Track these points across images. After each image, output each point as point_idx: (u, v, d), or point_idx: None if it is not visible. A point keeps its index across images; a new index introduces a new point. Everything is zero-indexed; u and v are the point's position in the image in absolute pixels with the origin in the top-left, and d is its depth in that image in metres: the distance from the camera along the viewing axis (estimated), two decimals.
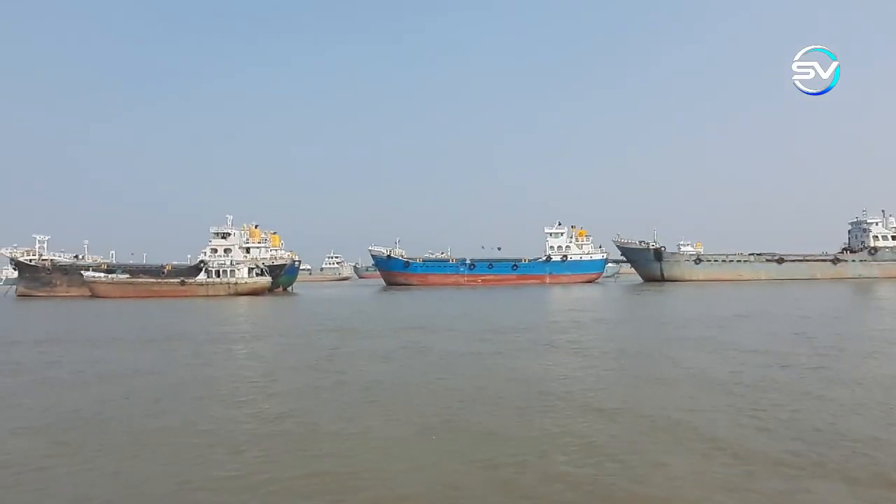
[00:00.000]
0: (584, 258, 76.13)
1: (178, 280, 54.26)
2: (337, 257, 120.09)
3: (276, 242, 62.81)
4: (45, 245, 61.64)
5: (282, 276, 60.01)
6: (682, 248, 78.19)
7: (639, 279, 78.18)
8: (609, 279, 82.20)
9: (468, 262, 75.49)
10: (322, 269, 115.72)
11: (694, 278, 72.41)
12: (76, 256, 63.56)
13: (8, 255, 60.54)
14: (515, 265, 75.56)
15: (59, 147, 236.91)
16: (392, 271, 74.61)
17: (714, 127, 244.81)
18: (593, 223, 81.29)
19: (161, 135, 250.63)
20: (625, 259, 78.37)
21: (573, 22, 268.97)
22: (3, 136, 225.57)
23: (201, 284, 53.64)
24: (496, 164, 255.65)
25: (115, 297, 52.42)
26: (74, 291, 58.33)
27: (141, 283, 54.23)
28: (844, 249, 76.11)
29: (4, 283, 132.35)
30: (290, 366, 13.52)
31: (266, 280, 55.35)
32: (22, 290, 60.94)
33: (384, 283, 77.34)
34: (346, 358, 14.33)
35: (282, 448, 7.10)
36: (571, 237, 76.98)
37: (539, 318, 26.31)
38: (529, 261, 76.28)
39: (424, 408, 9.06)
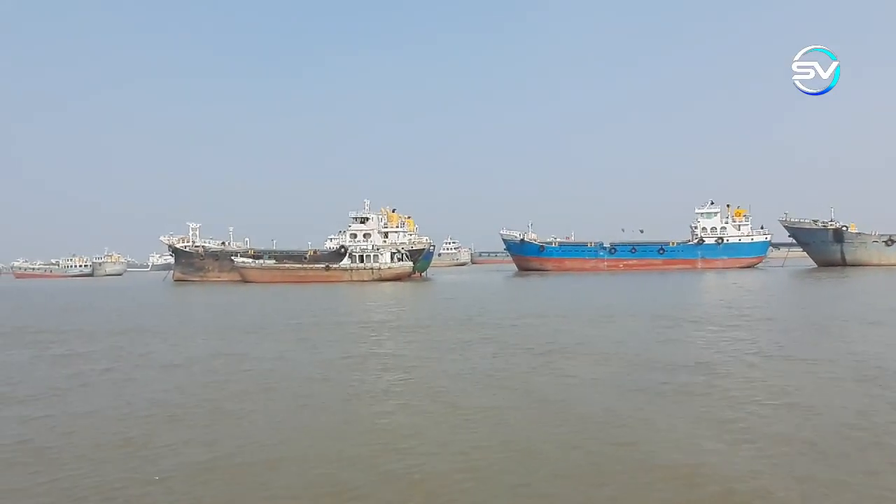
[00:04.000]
0: (743, 240, 67.37)
1: (323, 265, 53.99)
2: (454, 242, 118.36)
3: (412, 227, 60.92)
4: (198, 232, 64.46)
5: (419, 262, 58.03)
6: None
7: (809, 263, 68.04)
8: (773, 263, 72.39)
9: (608, 245, 69.55)
10: (440, 255, 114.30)
11: (884, 263, 61.42)
12: (223, 243, 65.98)
13: (166, 241, 63.88)
14: (662, 249, 68.46)
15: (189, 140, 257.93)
16: (525, 256, 70.49)
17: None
18: (745, 203, 71.50)
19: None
20: (793, 241, 68.29)
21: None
22: (144, 130, 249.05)
23: (346, 269, 52.94)
24: (631, 143, 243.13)
25: (263, 282, 53.26)
26: (225, 276, 60.30)
27: (288, 269, 54.62)
28: None
29: (151, 269, 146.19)
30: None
31: (408, 265, 53.66)
32: (178, 275, 64.12)
33: (516, 268, 73.46)
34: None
35: None
36: (727, 217, 68.40)
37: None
38: (678, 244, 68.82)
39: None
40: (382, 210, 59.29)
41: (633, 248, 68.84)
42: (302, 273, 53.90)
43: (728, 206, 69.29)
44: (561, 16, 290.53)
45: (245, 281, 55.32)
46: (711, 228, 68.04)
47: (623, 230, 72.68)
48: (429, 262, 62.46)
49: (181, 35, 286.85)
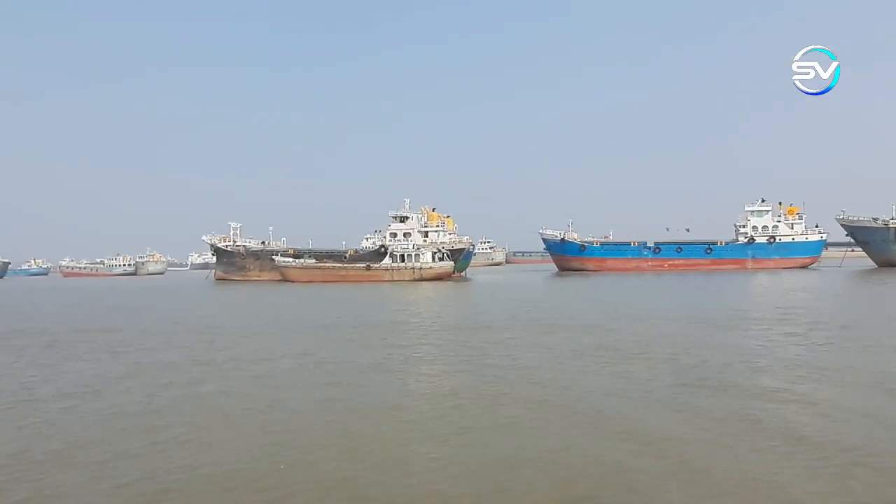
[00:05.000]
0: (796, 239, 64.47)
1: (364, 265, 53.68)
2: (489, 242, 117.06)
3: (452, 226, 60.17)
4: (239, 232, 65.03)
5: (459, 261, 57.22)
6: None
7: (868, 264, 64.65)
8: (828, 263, 69.09)
9: (652, 245, 67.43)
10: (475, 255, 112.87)
11: None
12: (262, 242, 66.36)
13: (208, 241, 64.59)
14: (709, 248, 65.99)
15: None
16: (566, 256, 68.95)
17: None
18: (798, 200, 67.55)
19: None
20: (851, 241, 64.93)
21: None
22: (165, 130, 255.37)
23: (387, 269, 52.52)
24: (670, 141, 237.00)
25: (303, 282, 53.23)
26: (265, 276, 60.56)
27: (329, 268, 54.51)
28: None
29: (190, 268, 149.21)
30: None
31: (450, 265, 52.97)
32: (220, 274, 64.70)
33: (556, 268, 71.98)
34: None
35: None
36: (780, 216, 65.61)
37: None
38: (726, 243, 66.28)
39: None
40: (423, 209, 58.73)
41: (679, 248, 66.58)
42: (343, 273, 53.69)
43: (780, 203, 66.58)
44: (596, 12, 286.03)
45: (286, 280, 55.46)
46: (763, 227, 65.41)
47: (668, 229, 70.45)
48: (468, 262, 61.72)
49: (201, 38, 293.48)
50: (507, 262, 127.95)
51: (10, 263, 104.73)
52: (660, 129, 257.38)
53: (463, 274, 60.24)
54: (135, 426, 7.42)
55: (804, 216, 65.63)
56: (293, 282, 53.92)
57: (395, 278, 51.75)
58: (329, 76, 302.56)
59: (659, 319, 18.23)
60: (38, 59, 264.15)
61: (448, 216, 61.19)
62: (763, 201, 66.55)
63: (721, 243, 66.34)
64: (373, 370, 10.88)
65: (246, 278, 61.92)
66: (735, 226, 68.52)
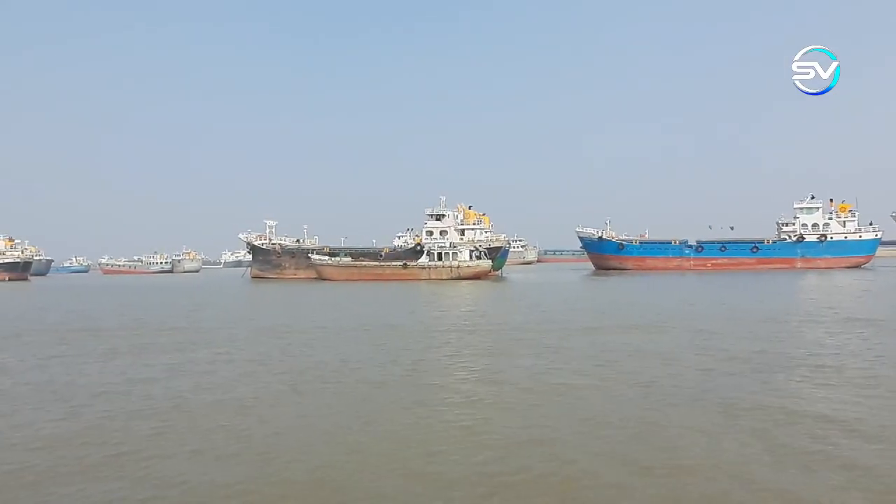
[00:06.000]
0: (849, 238, 61.51)
1: (401, 263, 53.13)
2: (521, 240, 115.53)
3: (488, 223, 59.17)
4: (274, 230, 65.29)
5: (496, 260, 56.19)
6: None
7: None
8: (882, 263, 65.88)
9: (694, 243, 65.19)
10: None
11: None
12: (297, 240, 66.54)
13: (245, 239, 65.01)
14: (756, 247, 63.40)
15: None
16: (604, 254, 67.20)
17: None
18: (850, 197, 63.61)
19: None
20: None
21: None
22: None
23: (423, 268, 51.88)
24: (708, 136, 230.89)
25: (340, 280, 52.94)
26: (301, 274, 60.65)
27: (365, 267, 54.10)
28: None
29: (223, 266, 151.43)
30: None
31: (487, 263, 51.99)
32: (255, 272, 64.99)
33: (592, 266, 70.30)
34: None
35: None
36: (831, 213, 62.71)
37: None
38: (774, 241, 63.62)
39: None
40: (458, 207, 57.87)
41: (723, 247, 64.18)
42: (379, 271, 53.21)
43: (831, 200, 63.67)
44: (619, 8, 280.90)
45: (321, 278, 55.27)
46: (813, 225, 62.60)
47: (710, 227, 68.12)
48: (504, 261, 60.69)
49: (240, 39, 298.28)
50: (539, 260, 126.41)
51: (52, 261, 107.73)
52: (696, 122, 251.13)
53: (499, 272, 59.19)
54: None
55: (857, 213, 62.67)
56: (329, 280, 53.69)
57: (433, 277, 51.03)
58: (356, 80, 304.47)
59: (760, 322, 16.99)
60: (80, 61, 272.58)
61: (484, 214, 60.26)
62: (813, 198, 63.79)
63: (768, 241, 63.73)
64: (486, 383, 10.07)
65: (281, 276, 62.10)
66: (777, 224, 65.72)
